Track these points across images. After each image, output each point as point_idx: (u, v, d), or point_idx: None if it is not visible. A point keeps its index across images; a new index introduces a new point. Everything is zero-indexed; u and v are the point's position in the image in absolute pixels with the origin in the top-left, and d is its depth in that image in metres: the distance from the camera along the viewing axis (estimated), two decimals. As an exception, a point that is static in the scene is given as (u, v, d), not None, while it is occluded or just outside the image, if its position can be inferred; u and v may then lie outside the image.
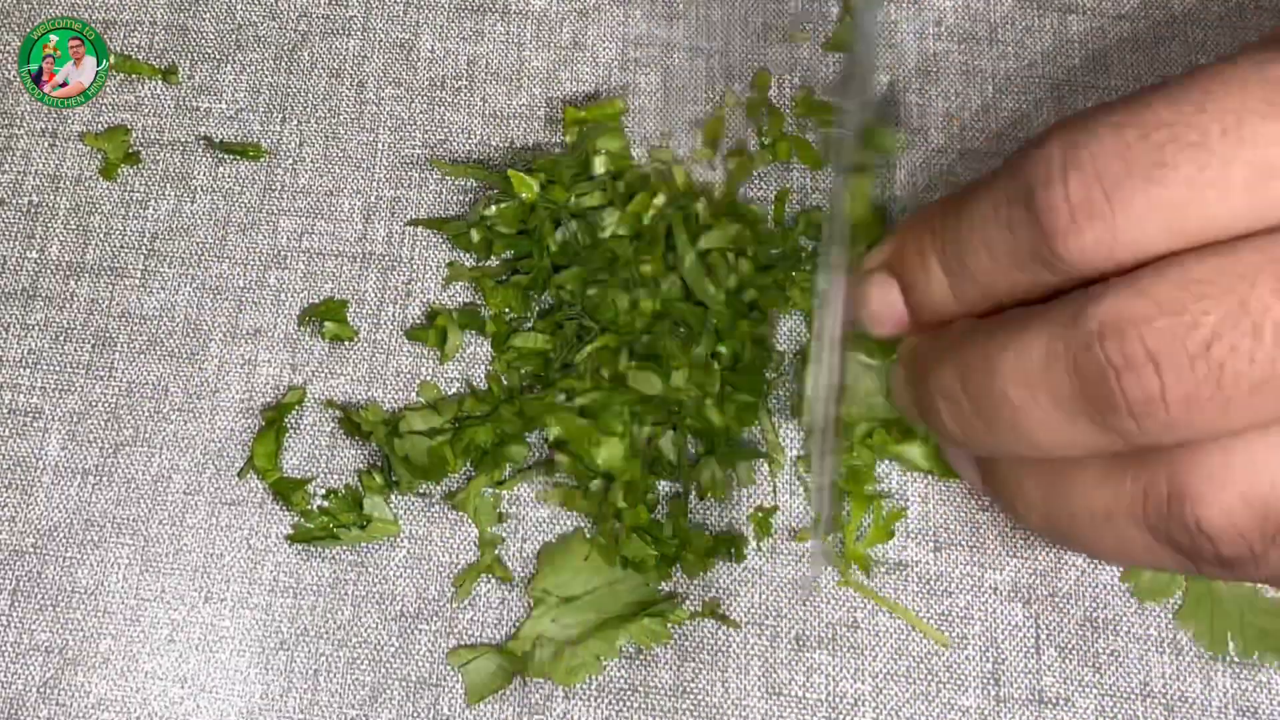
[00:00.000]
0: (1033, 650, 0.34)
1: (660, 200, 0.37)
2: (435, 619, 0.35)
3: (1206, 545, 0.26)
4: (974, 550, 0.35)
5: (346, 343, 0.38)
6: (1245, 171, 0.24)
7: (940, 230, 0.29)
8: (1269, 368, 0.23)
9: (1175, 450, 0.26)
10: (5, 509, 0.37)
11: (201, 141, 0.40)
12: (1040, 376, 0.26)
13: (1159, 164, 0.24)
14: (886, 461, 0.36)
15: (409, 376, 0.37)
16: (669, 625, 0.34)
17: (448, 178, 0.39)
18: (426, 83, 0.40)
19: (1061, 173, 0.25)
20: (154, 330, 0.38)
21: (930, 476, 0.36)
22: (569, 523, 0.36)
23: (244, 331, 0.38)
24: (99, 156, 0.40)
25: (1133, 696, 0.34)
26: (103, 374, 0.38)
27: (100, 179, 0.40)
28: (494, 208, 0.37)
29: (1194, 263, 0.24)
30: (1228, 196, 0.24)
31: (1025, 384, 0.26)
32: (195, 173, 0.40)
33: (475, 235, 0.37)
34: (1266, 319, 0.23)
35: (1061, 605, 0.34)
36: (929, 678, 0.34)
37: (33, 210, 0.39)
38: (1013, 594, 0.35)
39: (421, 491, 0.36)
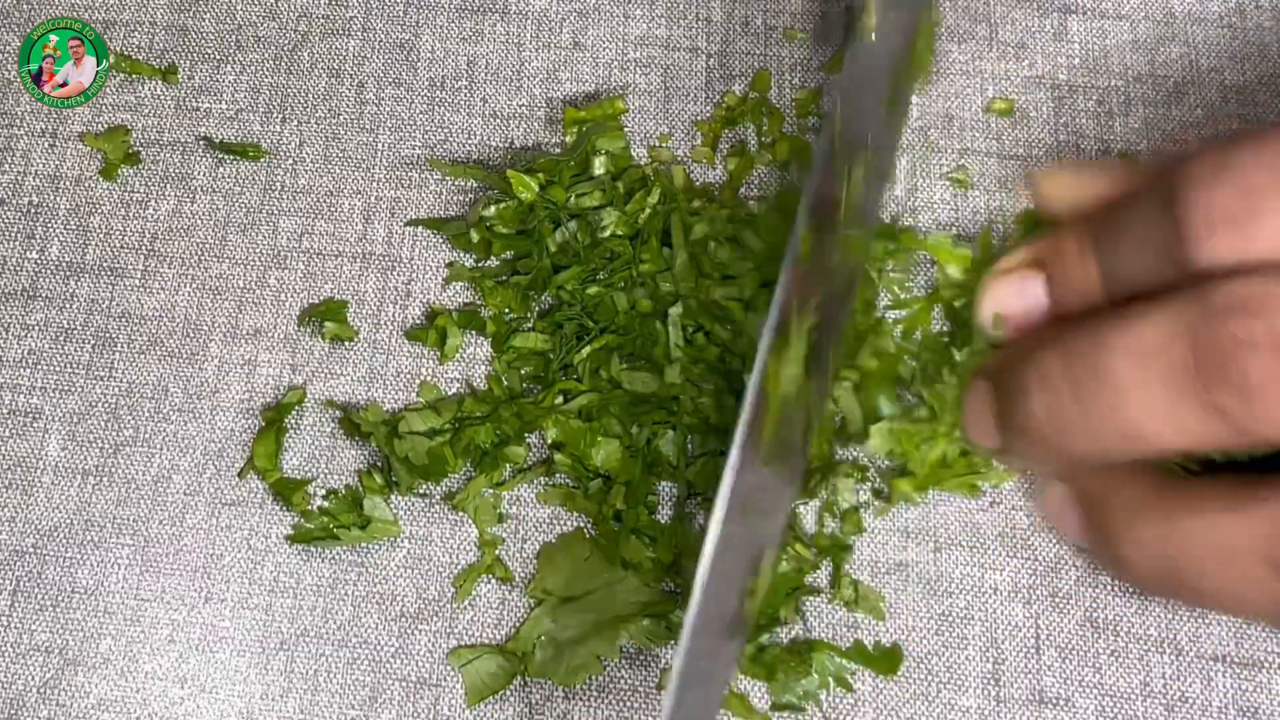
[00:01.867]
0: (1033, 650, 0.34)
1: (654, 198, 0.37)
2: (435, 619, 0.35)
3: None
4: (974, 550, 0.35)
5: (346, 343, 0.38)
6: None
7: (1100, 225, 0.30)
8: None
9: None
10: (5, 509, 0.37)
11: (201, 141, 0.40)
12: (1156, 350, 0.26)
13: None
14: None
15: (409, 377, 0.37)
16: (669, 625, 0.34)
17: (448, 178, 0.39)
18: (426, 83, 0.40)
19: (1210, 178, 0.26)
20: (154, 330, 0.38)
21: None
22: (569, 523, 0.36)
23: (244, 332, 0.38)
24: (99, 156, 0.40)
25: (1133, 696, 0.34)
26: (103, 374, 0.38)
27: (100, 179, 0.40)
28: (493, 208, 0.37)
29: None
30: None
31: (1138, 358, 0.26)
32: (195, 173, 0.40)
33: (475, 236, 0.37)
34: None
35: (1061, 605, 0.34)
36: (929, 678, 0.34)
37: (33, 210, 0.39)
38: (1013, 594, 0.35)
39: (421, 492, 0.36)
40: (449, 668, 0.35)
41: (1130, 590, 0.34)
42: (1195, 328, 0.25)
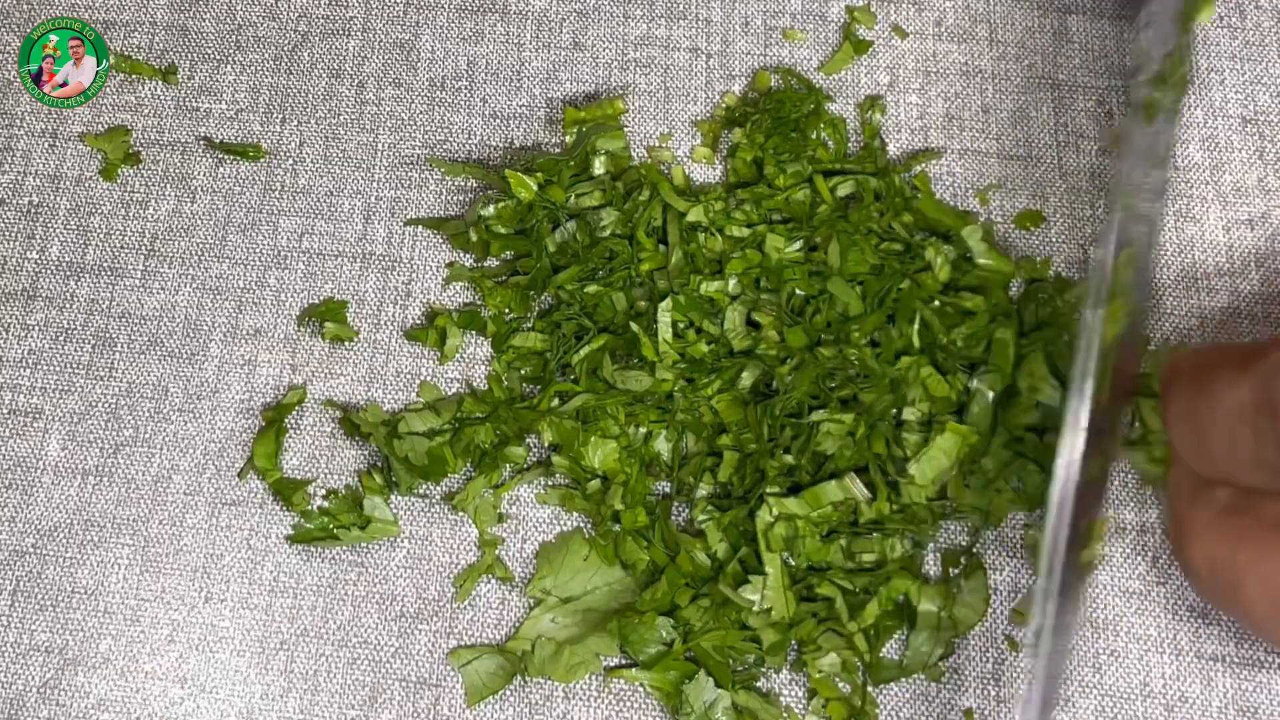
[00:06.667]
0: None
1: (644, 196, 0.37)
2: (435, 619, 0.35)
3: None
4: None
5: (346, 343, 0.38)
6: None
7: (1185, 406, 0.28)
8: None
9: None
10: (5, 509, 0.37)
11: (201, 142, 0.40)
12: None
13: None
14: None
15: (409, 377, 0.37)
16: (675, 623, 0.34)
17: (448, 178, 0.39)
18: (426, 83, 0.40)
19: None
20: (154, 330, 0.38)
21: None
22: (568, 523, 0.36)
23: (244, 331, 0.38)
24: (99, 157, 0.40)
25: (1133, 696, 0.34)
26: (103, 374, 0.38)
27: (100, 179, 0.40)
28: (491, 208, 0.37)
29: None
30: None
31: (1272, 605, 0.26)
32: (195, 173, 0.40)
33: (474, 235, 0.37)
34: None
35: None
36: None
37: (33, 210, 0.39)
38: (1013, 594, 0.35)
39: (421, 492, 0.36)
40: (449, 668, 0.35)
41: (1129, 592, 0.34)
42: None
